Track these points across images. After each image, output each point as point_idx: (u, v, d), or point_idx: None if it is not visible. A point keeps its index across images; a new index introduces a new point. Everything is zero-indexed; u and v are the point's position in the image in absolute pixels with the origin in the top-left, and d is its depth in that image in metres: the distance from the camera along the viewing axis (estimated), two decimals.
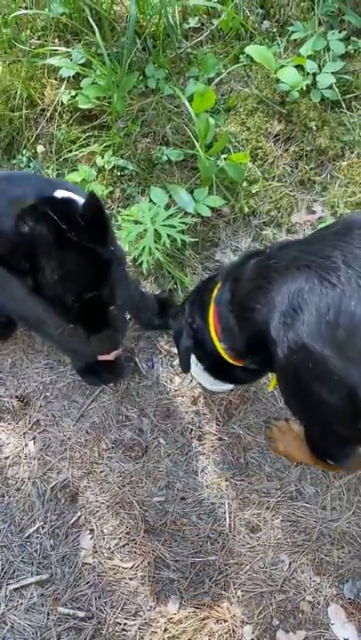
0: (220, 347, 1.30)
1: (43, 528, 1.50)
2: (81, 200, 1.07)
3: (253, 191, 1.84)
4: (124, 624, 1.38)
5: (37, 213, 1.02)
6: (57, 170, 1.85)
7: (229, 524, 1.49)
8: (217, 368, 1.39)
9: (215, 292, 1.29)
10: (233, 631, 1.36)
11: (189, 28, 2.05)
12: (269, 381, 1.62)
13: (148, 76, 1.93)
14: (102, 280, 1.05)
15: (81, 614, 1.39)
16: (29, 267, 1.00)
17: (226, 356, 1.31)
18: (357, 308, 0.95)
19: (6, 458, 1.61)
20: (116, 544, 1.47)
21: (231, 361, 1.32)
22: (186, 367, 1.43)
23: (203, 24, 2.07)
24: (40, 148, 1.84)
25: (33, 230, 1.01)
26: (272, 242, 1.82)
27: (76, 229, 1.01)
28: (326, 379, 1.01)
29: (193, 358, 1.54)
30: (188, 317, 1.35)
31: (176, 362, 1.72)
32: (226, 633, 1.36)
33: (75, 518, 1.51)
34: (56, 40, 1.98)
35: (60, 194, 1.13)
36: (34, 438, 1.63)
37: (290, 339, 1.03)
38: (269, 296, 1.08)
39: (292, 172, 1.86)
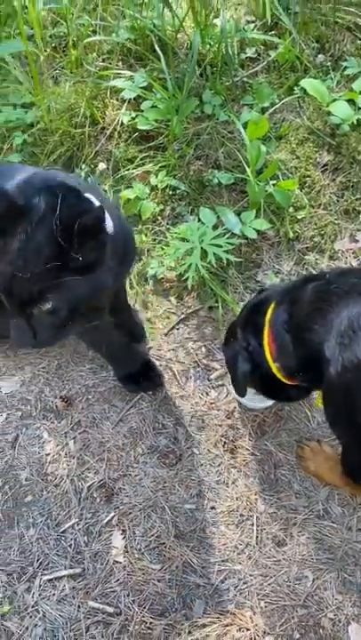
0: (274, 367, 1.36)
1: (78, 524, 1.58)
2: (94, 200, 1.12)
3: (299, 217, 1.91)
4: (150, 623, 1.44)
5: (50, 194, 1.06)
6: (113, 186, 1.95)
7: (257, 537, 1.54)
8: (271, 389, 1.45)
9: (268, 314, 1.35)
10: None
11: (246, 57, 2.15)
12: (314, 401, 1.68)
13: (204, 101, 2.03)
14: (46, 275, 1.04)
15: (110, 610, 1.45)
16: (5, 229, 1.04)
17: (279, 376, 1.37)
18: None
19: (47, 455, 1.69)
20: (146, 546, 1.54)
21: (284, 380, 1.38)
22: (243, 392, 1.46)
23: (259, 55, 2.16)
24: (101, 166, 1.95)
25: (31, 201, 1.05)
26: (314, 267, 1.88)
27: (65, 227, 1.03)
28: None
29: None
30: (243, 341, 1.41)
31: (213, 375, 1.79)
32: None
33: (108, 518, 1.58)
34: (120, 63, 2.09)
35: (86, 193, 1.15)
36: (74, 438, 1.71)
37: (345, 358, 1.09)
38: (328, 318, 1.15)
39: (337, 201, 1.93)
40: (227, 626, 1.42)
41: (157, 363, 1.80)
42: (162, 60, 1.87)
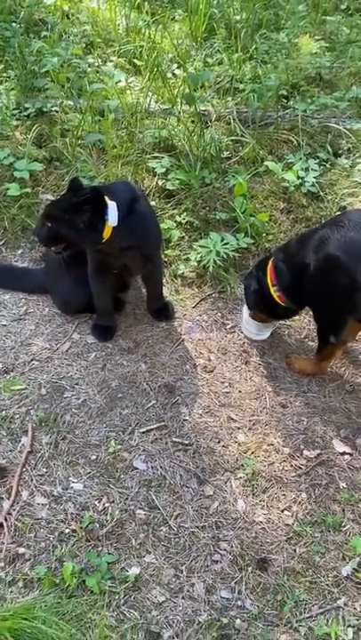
0: (272, 290, 2.42)
1: (156, 404, 2.44)
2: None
3: (269, 238, 3.10)
4: (212, 447, 2.29)
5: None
6: None
7: (269, 404, 2.47)
8: (268, 306, 2.49)
9: (271, 259, 2.44)
10: (277, 449, 2.29)
11: (224, 157, 3.46)
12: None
13: (205, 176, 3.27)
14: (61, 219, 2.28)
15: (186, 442, 2.30)
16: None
17: (275, 296, 2.43)
18: (359, 238, 2.13)
19: (127, 372, 2.58)
20: (202, 411, 2.42)
21: (277, 300, 2.43)
22: (252, 305, 2.52)
23: (231, 155, 3.48)
24: None
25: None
26: None
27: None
28: (338, 270, 2.15)
29: (245, 316, 2.66)
30: (255, 273, 2.49)
31: (228, 327, 2.80)
32: (273, 449, 2.29)
33: (175, 399, 2.46)
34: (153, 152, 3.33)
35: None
36: (145, 362, 2.62)
37: (319, 255, 2.19)
38: (307, 244, 2.25)
39: (291, 229, 3.15)
40: (260, 442, 2.31)
41: (190, 322, 2.80)
42: (186, 148, 3.13)
